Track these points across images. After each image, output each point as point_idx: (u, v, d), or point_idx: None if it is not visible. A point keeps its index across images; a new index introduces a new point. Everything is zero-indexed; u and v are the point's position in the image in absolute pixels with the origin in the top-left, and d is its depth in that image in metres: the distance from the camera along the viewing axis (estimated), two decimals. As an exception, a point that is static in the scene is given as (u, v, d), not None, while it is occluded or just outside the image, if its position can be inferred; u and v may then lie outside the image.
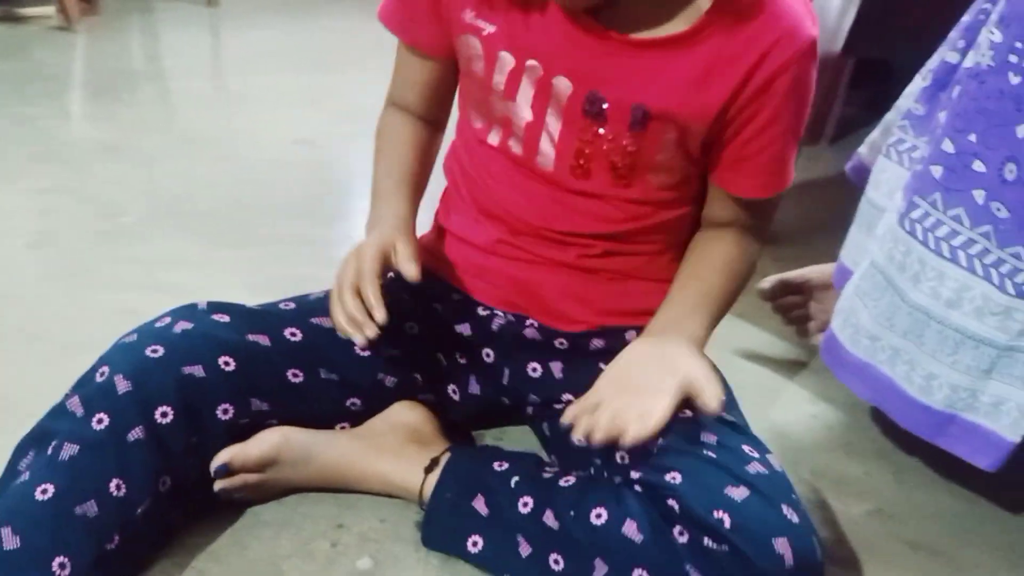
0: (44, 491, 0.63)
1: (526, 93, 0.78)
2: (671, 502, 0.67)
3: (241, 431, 0.76)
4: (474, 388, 0.88)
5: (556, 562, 0.71)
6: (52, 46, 2.25)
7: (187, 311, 0.77)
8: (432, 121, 0.89)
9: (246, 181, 1.54)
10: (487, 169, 0.83)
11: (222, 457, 0.73)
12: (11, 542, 0.61)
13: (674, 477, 0.68)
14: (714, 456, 0.69)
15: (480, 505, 0.75)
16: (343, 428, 0.84)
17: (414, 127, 0.88)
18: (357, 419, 0.84)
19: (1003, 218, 0.70)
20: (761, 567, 0.62)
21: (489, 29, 0.77)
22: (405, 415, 0.84)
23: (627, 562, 0.67)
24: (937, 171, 0.74)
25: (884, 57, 1.69)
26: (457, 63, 0.84)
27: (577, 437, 0.70)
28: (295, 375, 0.78)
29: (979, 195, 0.72)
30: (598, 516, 0.69)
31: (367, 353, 0.82)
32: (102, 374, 0.69)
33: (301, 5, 2.97)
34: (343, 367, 0.81)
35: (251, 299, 0.84)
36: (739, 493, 0.65)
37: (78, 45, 2.29)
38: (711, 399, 0.69)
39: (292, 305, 0.83)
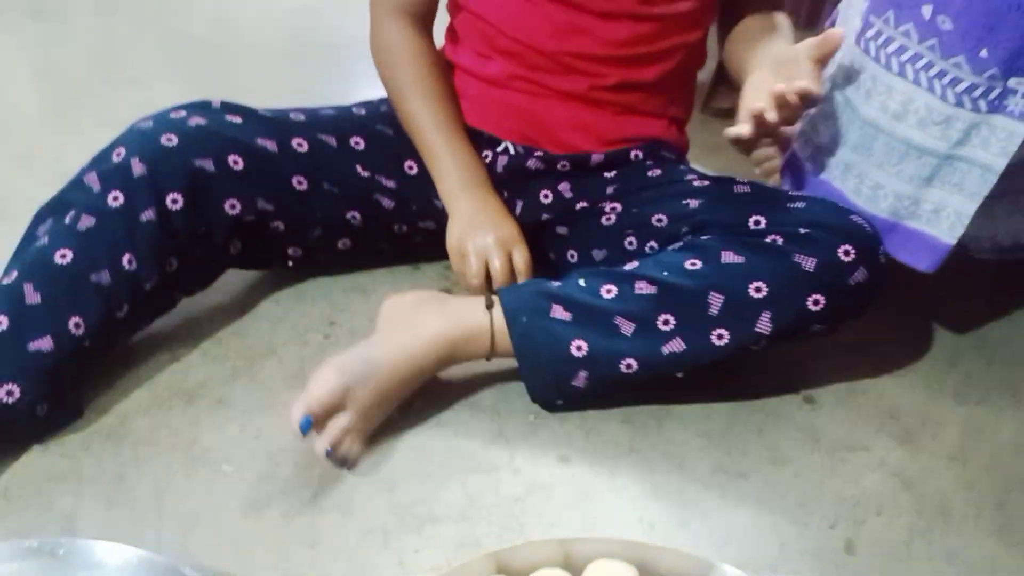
0: (63, 256, 0.70)
1: None
2: (754, 219, 0.75)
3: (248, 228, 0.81)
4: None
5: (666, 322, 0.72)
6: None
7: (201, 107, 0.82)
8: (429, 21, 0.90)
9: (241, 39, 1.58)
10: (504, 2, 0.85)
11: (297, 410, 0.66)
12: (33, 298, 0.68)
13: (737, 209, 0.77)
14: (760, 192, 0.81)
15: (560, 312, 0.74)
16: (344, 245, 0.89)
17: (423, 43, 0.88)
18: (357, 236, 0.89)
19: (947, 30, 0.75)
20: (852, 236, 0.73)
21: None
22: (411, 293, 0.80)
23: (742, 283, 0.72)
24: (890, -11, 0.79)
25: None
26: None
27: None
28: (299, 182, 0.83)
29: (927, 10, 0.76)
30: (692, 264, 0.73)
31: (367, 174, 0.87)
32: (118, 154, 0.75)
33: None
34: (343, 182, 0.86)
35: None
36: (800, 203, 0.77)
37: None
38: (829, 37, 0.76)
39: (302, 117, 0.87)
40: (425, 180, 0.90)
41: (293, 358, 0.81)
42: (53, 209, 0.73)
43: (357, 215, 0.87)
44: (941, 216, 0.80)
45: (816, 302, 0.72)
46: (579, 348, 0.73)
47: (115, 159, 0.74)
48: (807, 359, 0.86)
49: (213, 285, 0.84)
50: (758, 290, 0.72)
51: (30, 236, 0.73)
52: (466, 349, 0.74)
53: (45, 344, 0.67)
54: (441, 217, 0.90)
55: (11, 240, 0.74)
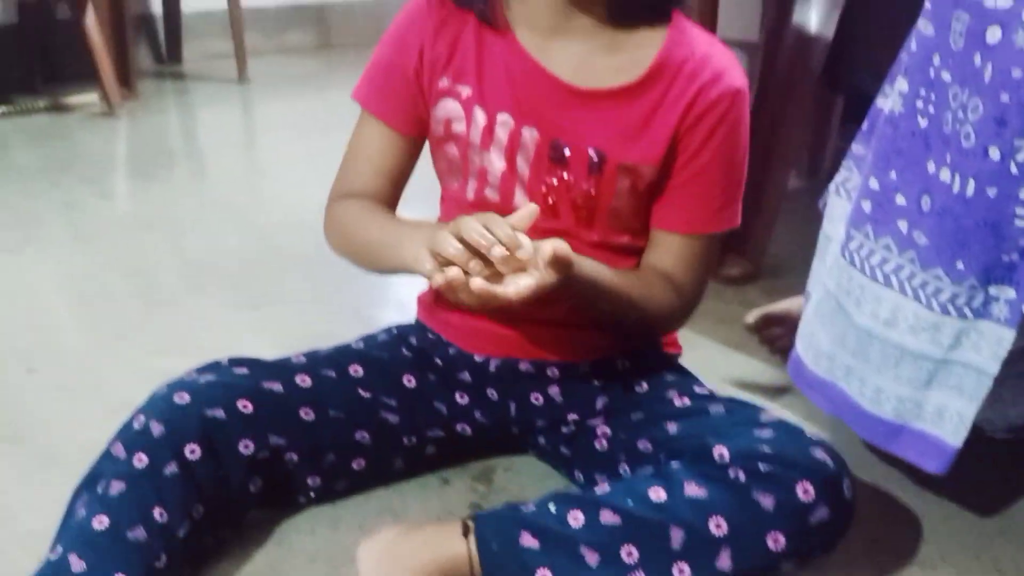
0: (100, 522, 0.75)
1: (499, 144, 0.89)
2: (718, 452, 0.77)
3: (264, 464, 0.86)
4: (483, 420, 0.97)
5: (629, 554, 0.74)
6: (95, 131, 2.43)
7: (211, 366, 0.89)
8: (391, 207, 0.96)
9: (269, 244, 1.67)
10: None
11: None
12: (78, 566, 0.73)
13: (707, 439, 0.79)
14: (731, 417, 0.83)
15: (529, 540, 0.77)
16: (359, 465, 0.93)
17: (382, 207, 0.94)
18: (369, 455, 0.93)
19: (923, 244, 0.79)
20: (811, 472, 0.75)
21: (466, 92, 0.89)
22: (383, 532, 0.83)
23: (702, 518, 0.74)
24: (867, 205, 0.83)
25: (865, 92, 1.78)
26: (415, 145, 0.94)
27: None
28: (306, 413, 0.88)
29: (903, 225, 0.80)
30: (656, 494, 0.76)
31: (368, 395, 0.92)
32: (139, 421, 0.81)
33: (317, 78, 3.14)
34: (348, 407, 0.91)
35: (272, 355, 0.94)
36: (767, 432, 0.79)
37: (120, 129, 2.46)
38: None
39: (303, 359, 0.94)
40: (424, 391, 0.95)
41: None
42: (87, 484, 0.79)
43: (366, 435, 0.92)
44: (944, 418, 0.82)
45: (776, 541, 0.74)
46: None
47: (136, 426, 0.81)
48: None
49: (252, 527, 0.88)
50: (718, 526, 0.74)
51: (70, 512, 0.78)
52: (454, 574, 0.79)
53: None
54: (447, 423, 0.96)
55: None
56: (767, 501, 0.74)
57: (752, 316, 1.18)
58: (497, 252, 0.72)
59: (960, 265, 0.77)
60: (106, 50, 2.49)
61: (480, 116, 0.88)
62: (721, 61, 0.87)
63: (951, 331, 0.79)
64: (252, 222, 1.80)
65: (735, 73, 0.87)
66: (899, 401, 0.83)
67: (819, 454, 0.77)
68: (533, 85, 0.87)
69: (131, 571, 0.74)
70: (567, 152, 0.87)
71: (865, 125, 0.95)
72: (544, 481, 0.99)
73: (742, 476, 0.75)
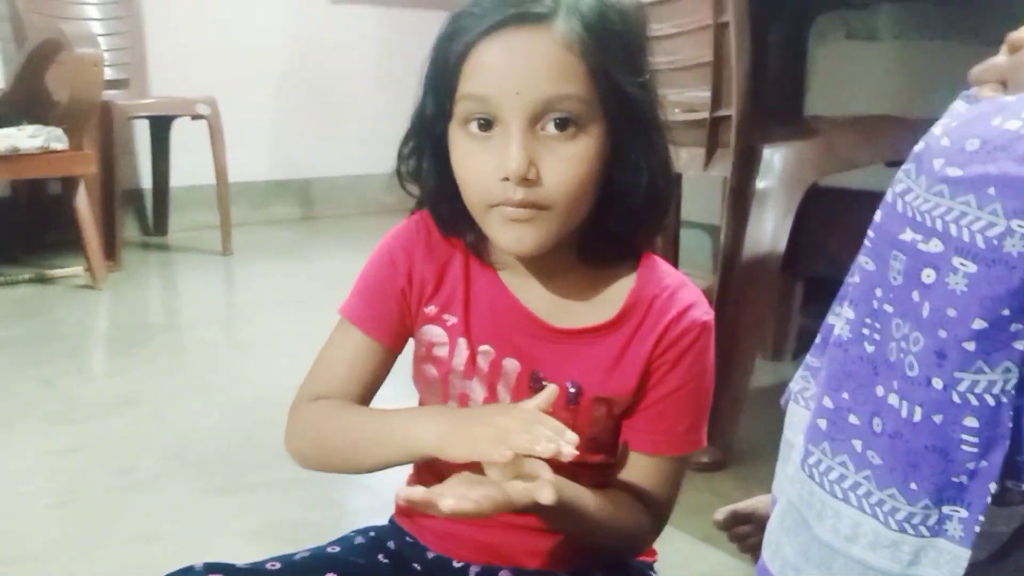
0: None
1: (481, 373, 0.93)
2: None
3: None
4: None
5: None
6: (77, 304, 2.47)
7: (185, 571, 0.88)
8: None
9: (246, 425, 1.69)
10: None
11: None
12: None
13: None
14: None
15: None
16: None
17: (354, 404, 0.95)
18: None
19: (877, 464, 0.83)
20: None
21: (452, 320, 0.93)
22: None
23: None
24: (822, 423, 0.88)
25: (826, 275, 1.88)
26: (394, 359, 0.96)
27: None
28: None
29: (857, 444, 0.85)
30: None
31: None
32: None
33: (299, 247, 3.25)
34: None
35: (247, 544, 0.95)
36: None
37: (103, 302, 2.51)
38: (547, 494, 0.75)
39: (278, 565, 0.94)
40: None
41: None
42: None
43: None
44: (910, 633, 0.83)
45: None
46: None
47: None
48: None
49: None
50: None
51: None
52: None
53: None
54: None
55: None
56: None
57: (720, 514, 1.20)
58: (567, 451, 0.73)
59: (913, 485, 0.81)
60: (94, 226, 2.57)
61: (463, 346, 0.93)
62: (688, 297, 0.92)
63: (910, 548, 0.82)
64: (229, 400, 1.82)
65: (701, 308, 0.92)
66: (864, 616, 0.85)
67: None
68: (514, 322, 0.92)
69: None
70: (545, 384, 0.91)
71: (818, 338, 1.01)
72: None
73: None
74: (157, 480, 1.47)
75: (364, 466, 0.94)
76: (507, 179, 0.80)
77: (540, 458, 0.79)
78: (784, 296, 2.09)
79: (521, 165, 0.80)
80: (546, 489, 0.76)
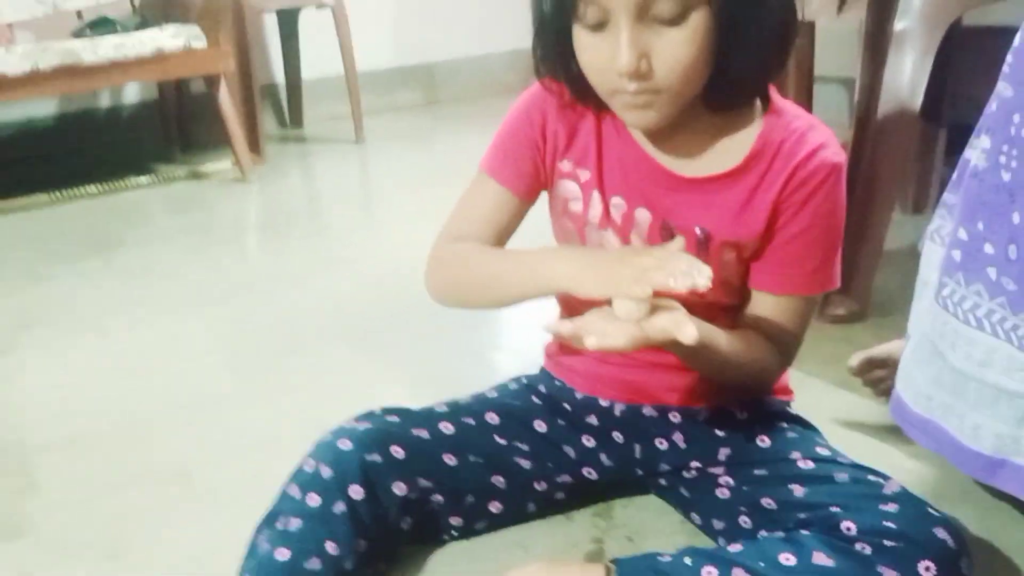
0: (282, 554, 0.87)
1: (615, 224, 0.98)
2: (846, 525, 0.83)
3: (414, 504, 0.97)
4: (608, 463, 1.06)
5: None
6: (229, 196, 2.65)
7: (368, 415, 1.01)
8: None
9: (392, 293, 1.80)
10: None
11: None
12: None
13: (835, 509, 0.85)
14: (857, 488, 0.88)
15: None
16: (496, 508, 1.03)
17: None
18: (504, 498, 1.03)
19: (1012, 290, 0.84)
20: (933, 551, 0.80)
21: (586, 176, 0.99)
22: (531, 566, 0.92)
23: None
24: (957, 255, 0.89)
25: (970, 122, 1.82)
26: (528, 209, 1.02)
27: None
28: (449, 459, 0.99)
29: (992, 272, 0.86)
30: (786, 559, 0.83)
31: (504, 441, 1.02)
32: (309, 465, 0.93)
33: (426, 133, 3.32)
34: (485, 452, 1.01)
35: (407, 392, 1.05)
36: (892, 507, 0.84)
37: (251, 192, 2.68)
38: (688, 332, 0.81)
39: (445, 407, 1.05)
40: (554, 435, 1.04)
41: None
42: (267, 522, 0.92)
43: (501, 479, 1.02)
44: (1044, 451, 0.86)
45: None
46: None
47: (307, 469, 0.93)
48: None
49: (404, 560, 0.99)
50: None
51: (253, 547, 0.91)
52: None
53: None
54: (574, 468, 1.05)
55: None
56: (890, 574, 0.80)
57: (855, 360, 1.23)
58: (702, 283, 0.79)
59: (1049, 309, 0.82)
60: (237, 120, 2.72)
61: (596, 199, 0.98)
62: (817, 139, 0.93)
63: (1044, 371, 0.84)
64: (374, 273, 1.95)
65: (831, 149, 0.93)
66: (997, 437, 0.88)
67: (941, 533, 0.82)
68: (643, 174, 0.96)
69: None
70: (676, 232, 0.95)
71: (955, 175, 1.01)
72: (661, 518, 1.07)
73: (868, 550, 0.81)
74: (316, 342, 1.61)
75: (500, 300, 1.00)
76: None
77: (675, 296, 0.85)
78: (925, 145, 2.02)
79: (631, 62, 0.83)
80: (688, 327, 0.82)
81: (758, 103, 0.95)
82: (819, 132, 0.94)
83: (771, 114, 0.94)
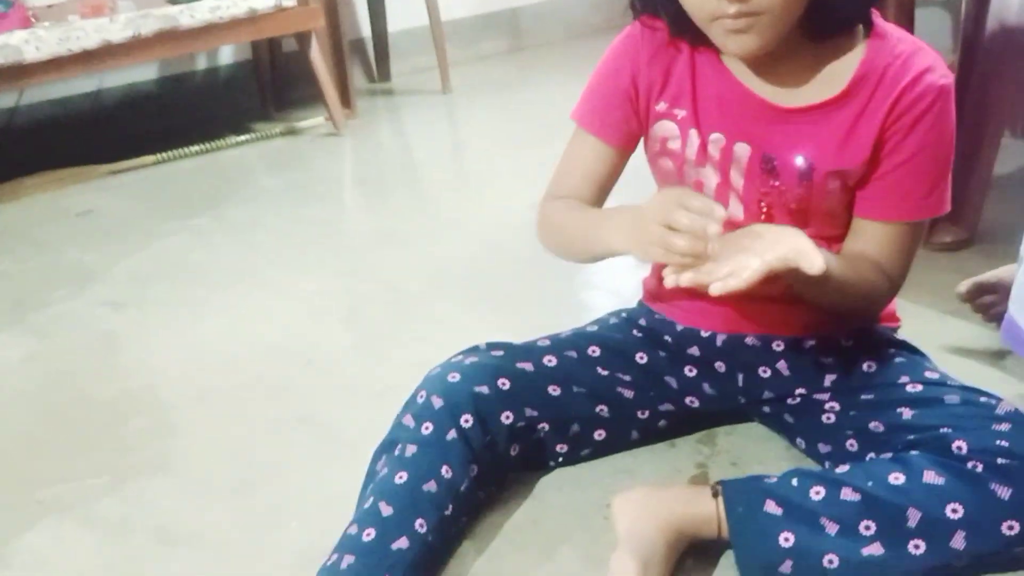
0: (400, 477, 0.92)
1: (713, 160, 0.98)
2: (957, 444, 0.83)
3: (521, 432, 1.00)
4: (710, 392, 1.07)
5: (867, 528, 0.83)
6: (325, 151, 2.71)
7: (473, 350, 1.05)
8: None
9: (493, 248, 1.84)
10: None
11: None
12: (387, 511, 0.90)
13: (945, 430, 0.85)
14: (968, 409, 0.87)
15: (772, 507, 0.86)
16: (600, 436, 1.05)
17: (586, 205, 1.04)
18: (608, 426, 1.05)
19: None
20: None
21: (682, 114, 0.99)
22: (636, 491, 0.95)
23: (939, 503, 0.81)
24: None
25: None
26: (626, 157, 1.04)
27: (667, 283, 0.82)
28: (554, 390, 1.02)
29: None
30: (896, 478, 0.84)
31: (606, 372, 1.04)
32: (421, 396, 0.98)
33: (513, 81, 3.31)
34: (588, 383, 1.04)
35: (513, 338, 1.08)
36: (1005, 426, 0.83)
37: (346, 147, 2.74)
38: (814, 261, 0.80)
39: (547, 341, 1.08)
40: (656, 367, 1.06)
41: (583, 542, 0.97)
42: (384, 449, 0.97)
43: (604, 408, 1.04)
44: None
45: (1011, 527, 0.80)
46: (786, 539, 0.85)
47: (419, 400, 0.98)
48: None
49: (513, 485, 1.04)
50: (954, 511, 0.81)
51: (372, 472, 0.96)
52: (700, 531, 0.89)
53: (403, 543, 0.88)
54: (676, 397, 1.06)
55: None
56: (1004, 492, 0.80)
57: (964, 285, 1.21)
58: (713, 229, 0.80)
59: None
60: (328, 76, 2.77)
61: (694, 136, 0.98)
62: (923, 62, 0.90)
63: None
64: (471, 229, 1.98)
65: (938, 72, 0.90)
66: (1116, 355, 0.86)
67: None
68: (743, 108, 0.95)
69: (427, 517, 0.90)
70: (776, 163, 0.95)
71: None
72: (764, 444, 1.08)
73: (980, 468, 0.81)
74: (425, 297, 1.66)
75: (589, 258, 1.05)
76: None
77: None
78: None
79: None
80: (814, 257, 0.81)
81: (860, 29, 0.93)
82: (925, 55, 0.92)
83: (874, 39, 0.92)
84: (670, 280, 0.83)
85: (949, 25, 2.45)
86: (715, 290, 0.80)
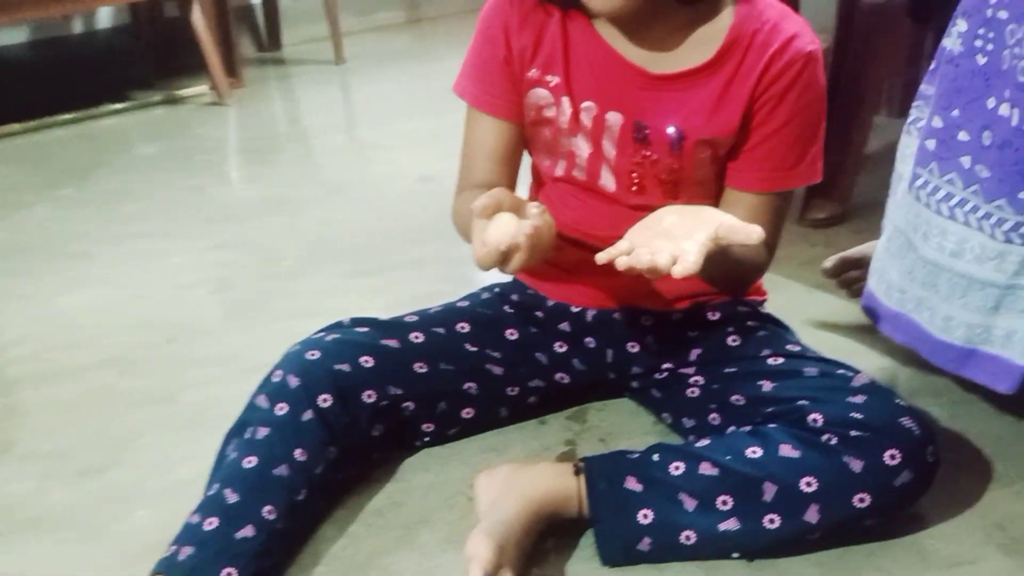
0: (249, 461, 0.87)
1: (585, 129, 0.96)
2: (813, 417, 0.83)
3: (385, 412, 0.97)
4: (580, 368, 1.05)
5: (724, 503, 0.83)
6: (208, 120, 2.59)
7: (335, 326, 1.00)
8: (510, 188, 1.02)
9: (380, 218, 1.79)
10: (562, 200, 1.01)
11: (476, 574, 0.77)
12: (232, 498, 0.85)
13: (803, 402, 0.85)
14: (825, 381, 0.87)
15: (633, 484, 0.86)
16: (468, 414, 1.03)
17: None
18: (476, 403, 1.02)
19: (985, 177, 0.83)
20: (899, 439, 0.81)
21: (555, 80, 0.96)
22: (501, 467, 0.94)
23: (794, 476, 0.81)
24: (931, 144, 0.87)
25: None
26: (523, 127, 1.00)
27: (622, 266, 0.79)
28: (420, 367, 0.99)
29: (966, 160, 0.84)
30: (753, 452, 0.84)
31: (475, 349, 1.01)
32: (277, 375, 0.93)
33: (409, 53, 3.24)
34: (456, 360, 1.01)
35: (393, 313, 1.05)
36: (859, 398, 0.84)
37: (230, 116, 2.63)
38: (751, 231, 0.78)
39: (415, 317, 1.04)
40: (526, 343, 1.04)
41: (445, 523, 0.94)
42: (236, 431, 0.92)
43: (473, 385, 1.02)
44: (1014, 340, 0.86)
45: (862, 500, 0.81)
46: (645, 516, 0.85)
47: (275, 380, 0.93)
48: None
49: (376, 466, 1.00)
50: (808, 484, 0.81)
51: (222, 456, 0.91)
52: (562, 509, 0.88)
53: (248, 531, 0.83)
54: (546, 373, 1.04)
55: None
56: (856, 465, 0.80)
57: (829, 261, 1.22)
58: (479, 203, 0.80)
59: (1022, 195, 0.81)
60: (212, 43, 2.64)
61: (567, 104, 0.95)
62: (790, 28, 0.90)
63: (1016, 259, 0.83)
64: (360, 197, 1.92)
65: (806, 38, 0.90)
66: (968, 328, 0.88)
67: (907, 422, 0.82)
68: (613, 73, 0.93)
69: (277, 503, 0.86)
70: (648, 132, 0.93)
71: (933, 64, 0.98)
72: (634, 419, 1.08)
73: (834, 441, 0.81)
74: (303, 268, 1.60)
75: None
76: None
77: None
78: (912, 48, 1.97)
79: None
80: (751, 227, 0.79)
81: None
82: (792, 21, 0.91)
83: (742, 4, 0.91)
84: (623, 262, 0.79)
85: (833, 4, 2.49)
86: (677, 272, 0.76)
